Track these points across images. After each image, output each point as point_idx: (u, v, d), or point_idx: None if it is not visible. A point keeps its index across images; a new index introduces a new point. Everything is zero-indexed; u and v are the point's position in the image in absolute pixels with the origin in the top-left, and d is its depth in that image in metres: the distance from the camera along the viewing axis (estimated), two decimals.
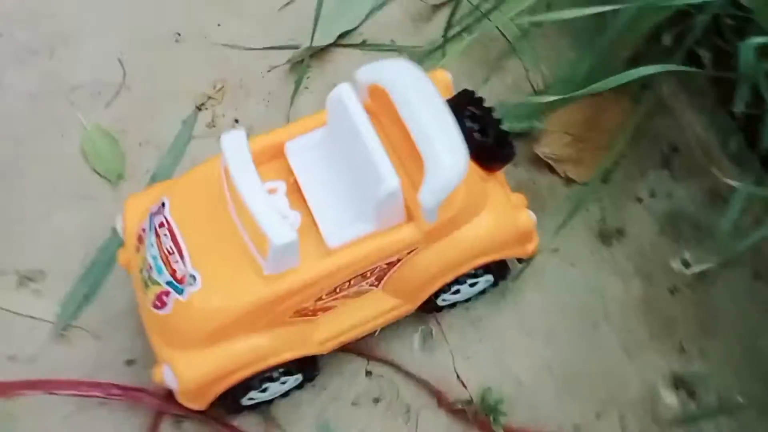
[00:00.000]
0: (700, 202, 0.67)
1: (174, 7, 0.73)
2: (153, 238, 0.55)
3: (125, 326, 0.62)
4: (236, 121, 0.70)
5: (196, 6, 0.73)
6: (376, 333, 0.61)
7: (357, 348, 0.62)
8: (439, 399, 0.61)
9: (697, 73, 0.62)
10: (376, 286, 0.58)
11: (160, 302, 0.54)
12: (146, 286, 0.56)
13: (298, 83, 0.70)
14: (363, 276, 0.56)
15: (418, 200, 0.52)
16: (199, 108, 0.70)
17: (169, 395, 0.58)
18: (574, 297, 0.64)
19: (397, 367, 0.62)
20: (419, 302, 0.59)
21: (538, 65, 0.69)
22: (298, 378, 0.60)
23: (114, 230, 0.63)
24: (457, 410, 0.61)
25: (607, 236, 0.66)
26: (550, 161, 0.67)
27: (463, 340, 0.63)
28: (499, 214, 0.57)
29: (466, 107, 0.56)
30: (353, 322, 0.58)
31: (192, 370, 0.54)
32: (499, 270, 0.61)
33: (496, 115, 0.57)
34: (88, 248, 0.65)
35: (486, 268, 0.60)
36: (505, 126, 0.57)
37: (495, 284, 0.63)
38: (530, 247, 0.60)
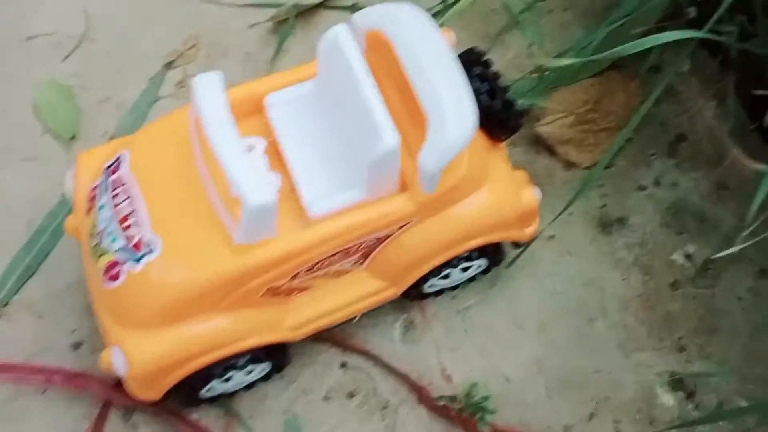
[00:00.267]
0: (706, 193, 0.66)
1: None
2: (107, 198, 0.52)
3: (72, 303, 0.60)
4: None
5: None
6: (355, 320, 0.59)
7: (332, 337, 0.60)
8: (420, 394, 0.59)
9: (719, 49, 0.61)
10: (361, 264, 0.55)
11: (112, 274, 0.51)
12: (96, 255, 0.52)
13: (279, 44, 0.68)
14: (347, 252, 0.53)
15: (415, 166, 0.50)
16: (168, 66, 0.68)
17: (118, 384, 0.56)
18: (569, 288, 0.63)
19: (375, 359, 0.60)
20: (406, 285, 0.57)
21: (541, 41, 0.68)
22: (265, 367, 0.57)
23: (64, 195, 0.61)
24: (439, 407, 0.59)
25: (607, 225, 0.65)
26: (550, 143, 0.66)
27: (448, 331, 0.61)
28: (501, 189, 0.55)
29: (472, 67, 0.54)
30: (331, 306, 0.56)
31: (144, 353, 0.51)
32: (494, 254, 0.60)
33: (503, 81, 0.55)
34: (35, 213, 0.63)
35: (481, 251, 0.58)
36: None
37: (486, 271, 0.61)
38: (530, 230, 0.58)
